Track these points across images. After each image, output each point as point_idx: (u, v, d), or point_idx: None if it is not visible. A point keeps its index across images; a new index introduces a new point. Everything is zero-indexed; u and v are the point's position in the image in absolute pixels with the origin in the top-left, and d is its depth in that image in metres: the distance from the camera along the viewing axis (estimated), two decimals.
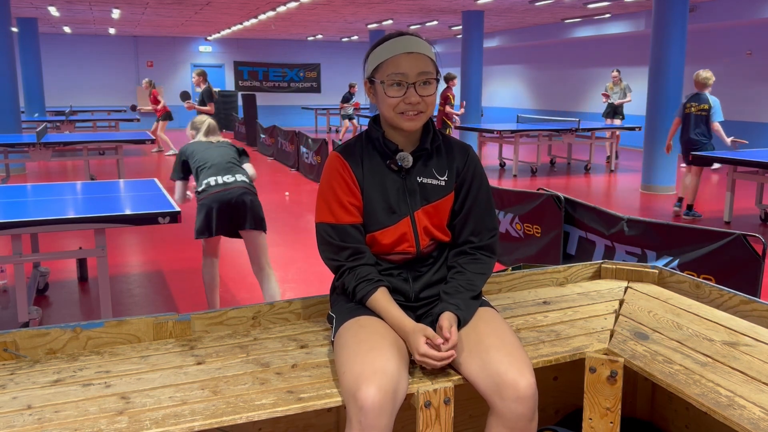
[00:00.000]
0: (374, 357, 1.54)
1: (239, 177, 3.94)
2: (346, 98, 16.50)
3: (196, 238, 3.89)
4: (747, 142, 7.89)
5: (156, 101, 13.98)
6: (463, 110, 11.55)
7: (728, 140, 7.34)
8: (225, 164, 3.97)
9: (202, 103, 9.89)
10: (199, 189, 3.90)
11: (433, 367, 1.63)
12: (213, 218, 3.81)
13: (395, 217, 1.80)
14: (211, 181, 3.86)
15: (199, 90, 10.16)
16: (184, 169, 4.09)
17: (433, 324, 1.77)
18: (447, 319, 1.68)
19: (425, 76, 1.73)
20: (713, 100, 7.18)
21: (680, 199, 7.79)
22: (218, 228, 3.85)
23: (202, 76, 10.09)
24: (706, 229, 3.71)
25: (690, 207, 7.53)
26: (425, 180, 1.82)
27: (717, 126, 7.18)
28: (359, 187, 1.80)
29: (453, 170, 1.85)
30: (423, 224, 1.82)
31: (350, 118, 16.62)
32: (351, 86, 16.73)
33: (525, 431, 1.57)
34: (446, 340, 1.61)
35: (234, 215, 3.85)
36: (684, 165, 7.82)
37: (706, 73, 7.26)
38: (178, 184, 4.15)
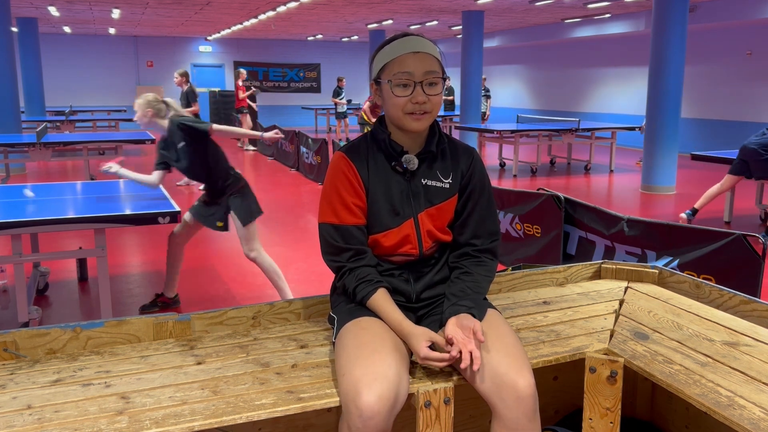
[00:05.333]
0: (375, 361, 1.54)
1: None
2: (336, 92, 16.56)
3: (256, 217, 4.16)
4: None
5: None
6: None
7: None
8: None
9: (187, 104, 9.81)
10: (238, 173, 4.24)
11: (436, 368, 1.64)
12: None
13: (399, 219, 1.79)
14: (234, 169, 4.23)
15: (182, 90, 10.15)
16: None
17: (433, 325, 1.77)
18: (471, 319, 1.65)
19: (431, 75, 1.73)
20: None
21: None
22: None
23: (185, 76, 10.10)
24: (706, 229, 3.71)
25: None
26: (429, 182, 1.82)
27: None
28: (364, 189, 1.79)
29: (457, 173, 1.84)
30: (426, 227, 1.81)
31: (344, 116, 16.60)
32: (339, 80, 16.76)
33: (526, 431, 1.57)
34: (481, 341, 1.60)
35: None
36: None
37: None
38: None
